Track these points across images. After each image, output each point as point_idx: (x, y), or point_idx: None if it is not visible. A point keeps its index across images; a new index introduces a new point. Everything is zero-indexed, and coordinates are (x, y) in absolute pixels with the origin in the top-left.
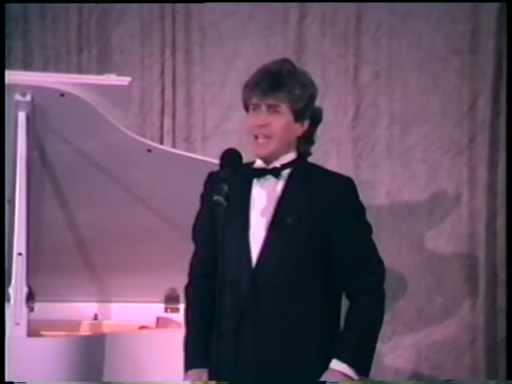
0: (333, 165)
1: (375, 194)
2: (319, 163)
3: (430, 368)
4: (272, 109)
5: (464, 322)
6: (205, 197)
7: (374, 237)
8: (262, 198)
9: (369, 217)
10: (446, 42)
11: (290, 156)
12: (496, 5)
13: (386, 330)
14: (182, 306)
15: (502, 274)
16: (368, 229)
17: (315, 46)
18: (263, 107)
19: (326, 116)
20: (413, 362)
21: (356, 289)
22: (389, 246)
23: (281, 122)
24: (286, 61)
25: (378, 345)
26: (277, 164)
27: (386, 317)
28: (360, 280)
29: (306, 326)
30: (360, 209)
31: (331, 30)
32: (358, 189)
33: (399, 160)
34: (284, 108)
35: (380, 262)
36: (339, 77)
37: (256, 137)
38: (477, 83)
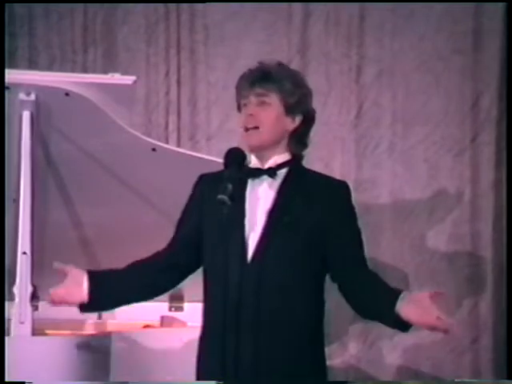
0: (336, 164)
1: (377, 193)
2: (323, 162)
3: (432, 367)
4: (261, 99)
5: (465, 321)
6: (194, 199)
7: (376, 236)
8: (258, 197)
9: (370, 216)
10: (449, 42)
11: (284, 156)
12: (500, 3)
13: (387, 329)
14: (186, 305)
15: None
16: (359, 231)
17: (319, 45)
18: (252, 98)
19: (330, 115)
20: (414, 362)
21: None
22: (390, 245)
23: (270, 112)
24: (279, 62)
25: (379, 344)
26: (272, 164)
27: None
28: (354, 267)
29: (300, 323)
30: (354, 214)
31: (335, 29)
32: (360, 188)
33: (401, 159)
34: (273, 99)
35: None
36: (343, 76)
37: (246, 129)
38: (479, 82)
